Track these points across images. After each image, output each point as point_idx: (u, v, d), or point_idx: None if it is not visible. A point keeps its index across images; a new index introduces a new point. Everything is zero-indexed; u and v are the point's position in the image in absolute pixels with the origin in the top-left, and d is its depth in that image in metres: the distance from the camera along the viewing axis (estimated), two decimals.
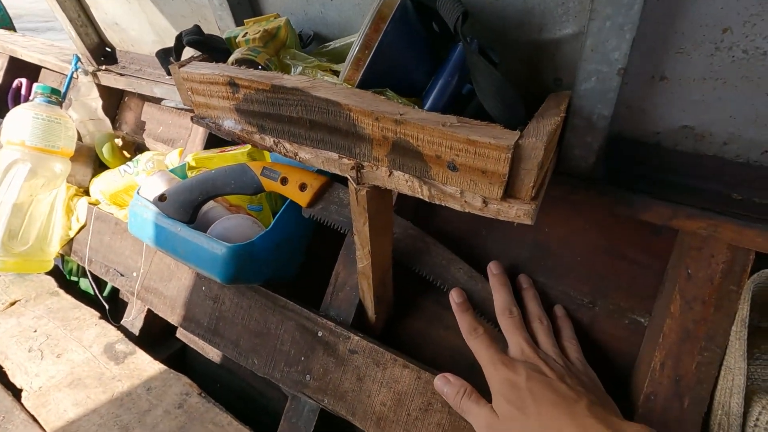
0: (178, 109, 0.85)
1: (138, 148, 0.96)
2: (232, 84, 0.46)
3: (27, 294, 0.81)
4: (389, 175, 0.42)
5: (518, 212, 0.37)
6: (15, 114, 0.78)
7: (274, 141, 0.48)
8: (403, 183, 0.41)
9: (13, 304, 0.79)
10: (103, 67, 0.88)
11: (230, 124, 0.50)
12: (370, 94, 0.40)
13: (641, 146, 0.44)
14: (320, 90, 0.41)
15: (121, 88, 0.87)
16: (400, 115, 0.37)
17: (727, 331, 0.40)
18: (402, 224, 0.57)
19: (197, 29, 0.50)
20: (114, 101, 0.98)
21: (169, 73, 0.53)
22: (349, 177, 0.45)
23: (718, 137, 0.40)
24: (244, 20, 0.53)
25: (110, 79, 0.87)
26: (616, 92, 0.37)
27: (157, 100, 0.91)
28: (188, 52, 0.54)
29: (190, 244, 0.58)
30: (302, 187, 0.58)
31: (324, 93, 0.40)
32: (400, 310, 0.61)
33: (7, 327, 0.74)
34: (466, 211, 0.39)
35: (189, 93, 0.51)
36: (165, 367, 0.68)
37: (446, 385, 0.47)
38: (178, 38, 0.50)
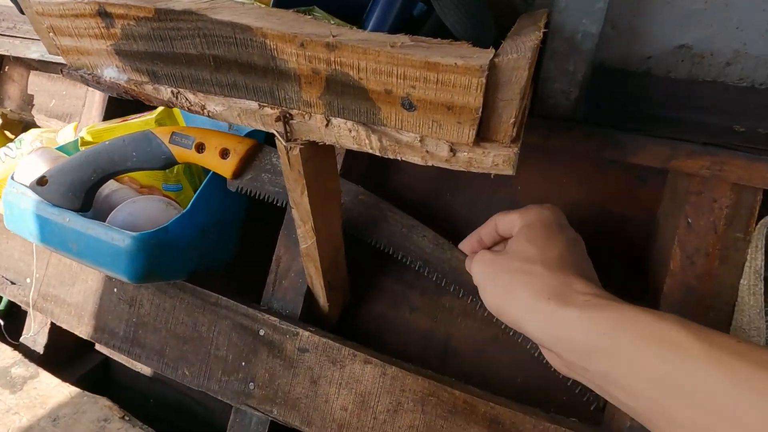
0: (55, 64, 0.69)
1: (27, 126, 0.79)
2: (103, 14, 0.33)
3: None
4: (327, 125, 0.32)
5: (496, 159, 0.28)
6: None
7: (172, 92, 0.36)
8: (345, 134, 0.32)
9: None
10: None
11: (112, 73, 0.38)
12: (291, 13, 0.30)
13: (629, 77, 0.37)
14: (222, 11, 0.30)
15: None
16: (333, 36, 0.27)
17: (735, 285, 0.34)
18: (351, 190, 0.48)
19: None
20: None
21: (21, 11, 0.39)
22: (275, 132, 0.34)
23: (719, 56, 0.34)
24: None
25: None
26: (606, 0, 0.29)
27: (45, 67, 0.75)
28: None
29: (83, 237, 0.45)
30: (224, 153, 0.46)
31: (228, 15, 0.29)
32: (359, 293, 0.53)
33: None
34: (429, 164, 0.31)
35: (51, 35, 0.38)
36: (77, 390, 0.56)
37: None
38: None
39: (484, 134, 0.28)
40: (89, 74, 0.39)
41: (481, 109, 0.26)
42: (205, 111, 0.36)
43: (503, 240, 0.40)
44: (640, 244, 0.42)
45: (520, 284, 0.31)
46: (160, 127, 0.51)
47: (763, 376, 0.21)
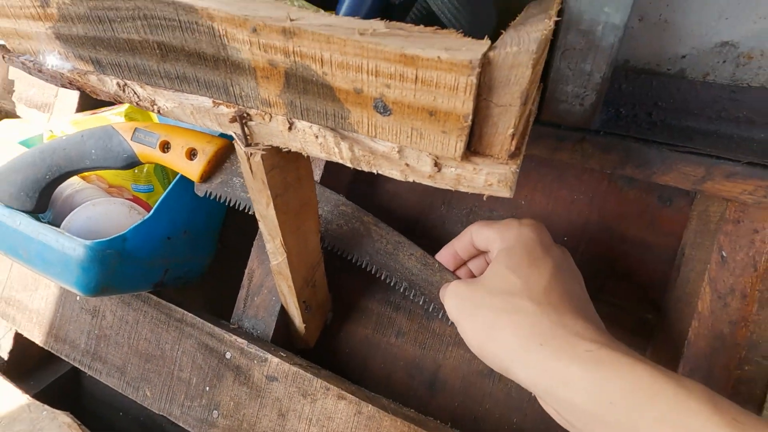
0: None
1: (6, 115, 0.75)
2: None
3: None
4: (290, 129, 0.27)
5: (490, 178, 0.23)
6: None
7: (118, 84, 0.31)
8: (311, 140, 0.27)
9: None
10: None
11: (54, 61, 0.33)
12: None
13: (657, 79, 0.31)
14: None
15: None
16: (291, 21, 0.22)
17: None
18: (331, 199, 0.43)
19: None
20: None
21: None
22: (233, 135, 0.29)
23: None
24: None
25: None
26: None
27: None
28: None
29: (33, 243, 0.41)
30: (192, 154, 0.41)
31: None
32: (340, 313, 0.47)
33: None
34: (410, 179, 0.25)
35: None
36: (36, 403, 0.52)
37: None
38: None
39: (475, 147, 0.23)
40: (32, 61, 0.34)
41: (471, 116, 0.21)
42: (155, 107, 0.31)
43: (480, 254, 0.36)
44: (661, 277, 0.36)
45: (505, 324, 0.27)
46: (124, 122, 0.46)
47: None
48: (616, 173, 0.33)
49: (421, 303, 0.40)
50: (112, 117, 0.51)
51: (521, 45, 0.20)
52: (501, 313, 0.27)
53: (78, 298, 0.50)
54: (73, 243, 0.39)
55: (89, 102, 0.59)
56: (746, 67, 0.28)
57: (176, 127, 0.43)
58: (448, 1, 0.23)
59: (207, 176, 0.42)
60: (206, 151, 0.41)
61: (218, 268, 0.53)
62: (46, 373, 0.61)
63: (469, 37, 0.21)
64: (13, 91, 0.74)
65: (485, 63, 0.19)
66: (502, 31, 0.23)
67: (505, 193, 0.23)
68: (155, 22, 0.26)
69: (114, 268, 0.41)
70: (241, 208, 0.43)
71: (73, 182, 0.49)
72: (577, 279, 0.31)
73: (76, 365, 0.50)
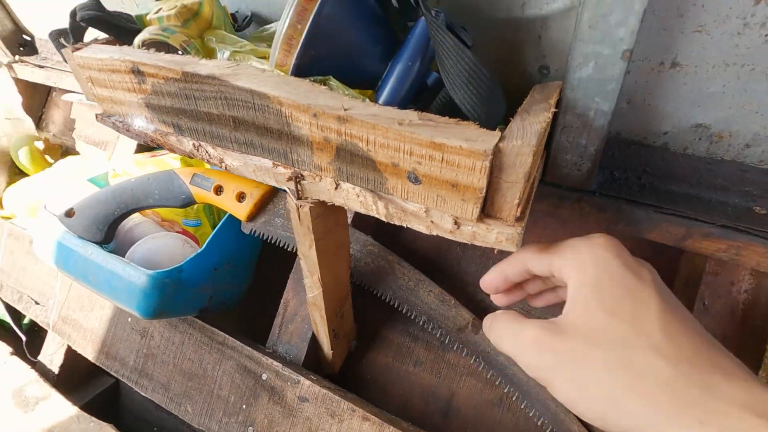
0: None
1: (67, 151, 0.83)
2: (137, 72, 0.36)
3: None
4: (336, 188, 0.33)
5: (499, 236, 0.28)
6: None
7: (194, 144, 0.38)
8: (353, 198, 0.32)
9: None
10: (19, 59, 0.76)
11: (141, 123, 0.40)
12: (306, 83, 0.31)
13: (644, 150, 0.36)
14: (242, 78, 0.31)
15: (40, 82, 0.75)
16: (345, 110, 0.28)
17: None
18: (360, 239, 0.48)
19: (95, 3, 0.39)
20: (39, 98, 0.86)
21: (65, 60, 0.42)
22: (287, 190, 0.35)
23: (739, 138, 0.33)
24: None
25: (28, 72, 0.75)
26: (619, 81, 0.29)
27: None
28: (94, 34, 0.43)
29: (103, 271, 0.47)
30: (241, 197, 0.48)
31: (247, 82, 0.31)
32: (364, 341, 0.52)
33: None
34: (434, 233, 0.31)
35: (89, 84, 0.40)
36: (85, 415, 0.57)
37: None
38: (72, 15, 0.40)
39: (488, 211, 0.28)
40: (120, 122, 0.42)
41: (485, 190, 0.26)
42: (222, 164, 0.37)
43: (536, 278, 0.31)
44: None
45: (631, 391, 0.21)
46: (183, 167, 0.53)
47: None
48: (610, 228, 0.38)
49: (438, 335, 0.45)
50: (170, 160, 0.59)
51: (524, 138, 0.25)
52: (620, 374, 0.22)
53: (129, 319, 0.56)
54: (137, 272, 0.45)
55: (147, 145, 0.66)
56: (718, 144, 0.33)
57: (228, 173, 0.49)
58: (468, 95, 0.29)
59: (252, 216, 0.48)
60: (253, 195, 0.48)
61: (252, 295, 0.59)
62: (90, 388, 0.67)
63: (483, 129, 0.26)
64: (74, 128, 0.83)
65: (496, 151, 0.25)
66: (511, 119, 0.29)
67: (512, 248, 0.28)
68: (233, 102, 0.32)
69: (170, 296, 0.47)
70: (279, 245, 0.49)
71: (133, 216, 0.55)
72: (674, 297, 0.25)
73: (124, 381, 0.55)
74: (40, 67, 0.74)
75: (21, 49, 0.78)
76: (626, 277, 0.24)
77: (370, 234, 0.49)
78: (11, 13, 0.75)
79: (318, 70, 0.32)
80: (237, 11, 0.48)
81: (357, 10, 0.31)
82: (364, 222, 0.50)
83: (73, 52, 0.39)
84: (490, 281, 0.32)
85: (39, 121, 0.85)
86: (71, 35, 0.41)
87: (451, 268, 0.50)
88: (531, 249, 0.29)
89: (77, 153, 0.82)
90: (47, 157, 0.78)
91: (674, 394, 0.20)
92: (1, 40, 0.74)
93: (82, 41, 0.43)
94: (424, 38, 0.31)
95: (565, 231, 0.44)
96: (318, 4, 0.29)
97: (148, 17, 0.40)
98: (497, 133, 0.26)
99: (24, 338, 0.70)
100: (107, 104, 0.41)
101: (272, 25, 0.45)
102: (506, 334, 0.28)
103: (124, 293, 0.46)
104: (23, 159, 0.74)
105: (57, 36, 0.41)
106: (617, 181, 0.37)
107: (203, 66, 0.33)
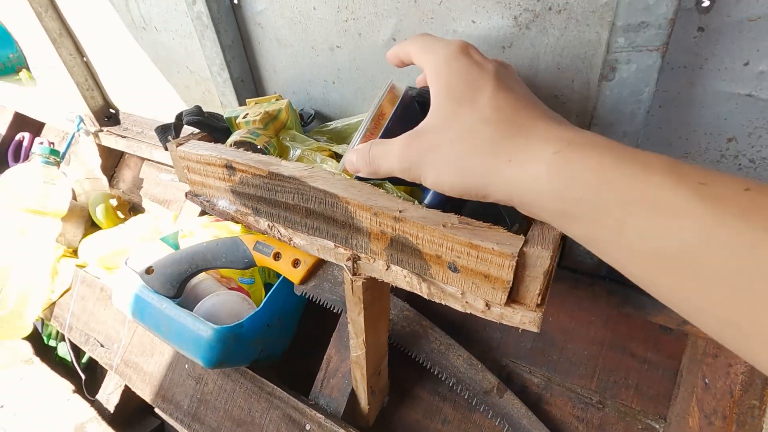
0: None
1: (133, 207, 0.94)
2: (229, 167, 0.45)
3: None
4: (387, 269, 0.40)
5: (523, 319, 0.34)
6: (11, 175, 0.77)
7: (268, 225, 0.46)
8: (401, 278, 0.39)
9: None
10: (105, 129, 0.89)
11: (224, 204, 0.49)
12: (368, 187, 0.39)
13: None
14: (318, 180, 0.40)
15: (121, 149, 0.87)
16: (400, 212, 0.36)
17: None
18: (398, 305, 0.55)
19: (198, 110, 0.50)
20: (113, 159, 0.98)
21: (166, 149, 0.52)
22: (344, 267, 0.43)
23: None
24: (247, 100, 0.54)
25: (111, 140, 0.87)
26: None
27: (156, 162, 0.91)
28: (188, 129, 0.53)
29: (174, 323, 0.55)
30: (295, 263, 0.55)
31: (321, 184, 0.39)
32: (396, 397, 0.57)
33: None
34: (468, 312, 0.37)
35: (185, 171, 0.50)
36: None
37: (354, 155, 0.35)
38: (179, 117, 0.50)
39: (514, 297, 0.35)
40: (207, 201, 0.51)
41: (511, 282, 0.33)
42: (291, 242, 0.45)
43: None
44: (665, 392, 0.45)
45: (469, 155, 0.27)
46: (246, 234, 0.62)
47: None
48: (620, 309, 0.43)
49: (465, 396, 0.50)
50: (232, 225, 0.67)
51: (544, 244, 0.32)
52: (460, 145, 0.27)
53: (186, 366, 0.63)
54: (205, 326, 0.53)
55: None
56: None
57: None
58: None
59: (305, 280, 0.56)
60: (307, 261, 0.55)
61: (293, 348, 0.65)
62: (139, 428, 0.73)
63: (510, 233, 0.33)
64: (142, 187, 0.95)
65: (521, 253, 0.32)
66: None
67: (534, 329, 0.34)
68: (307, 197, 0.41)
69: (230, 348, 0.53)
70: (326, 306, 0.55)
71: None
72: (519, 83, 0.30)
73: (177, 424, 0.61)
74: (122, 137, 0.86)
75: (106, 120, 0.91)
76: (471, 72, 0.28)
77: (403, 297, 0.55)
78: (103, 91, 0.89)
79: None
80: (302, 109, 0.58)
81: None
82: (400, 288, 0.57)
83: (177, 146, 0.48)
84: (390, 56, 0.36)
85: (111, 180, 0.97)
86: (174, 131, 0.52)
87: (476, 333, 0.55)
88: (415, 44, 0.32)
89: (143, 209, 0.93)
90: (118, 212, 0.89)
91: (494, 147, 0.26)
92: (92, 113, 0.88)
93: (179, 135, 0.54)
94: None
95: (579, 308, 0.49)
96: (381, 131, 0.37)
97: (237, 120, 0.50)
98: (521, 239, 0.33)
99: (83, 377, 0.77)
100: (197, 186, 0.51)
101: (332, 122, 0.55)
102: (379, 156, 0.32)
103: (191, 344, 0.53)
104: (99, 214, 0.85)
105: (162, 131, 0.52)
106: None
107: (285, 167, 0.42)
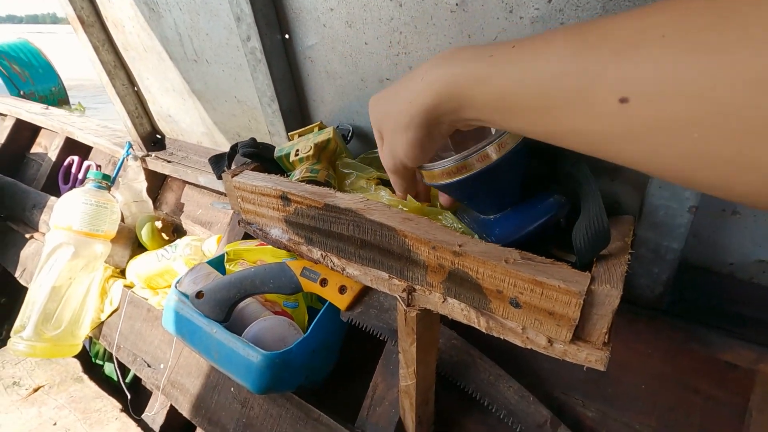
0: (217, 192, 0.87)
1: (176, 228, 0.97)
2: (284, 198, 0.46)
3: (51, 379, 0.79)
4: (443, 302, 0.40)
5: (589, 357, 0.34)
6: (66, 199, 0.81)
7: (321, 254, 0.47)
8: (458, 311, 0.39)
9: (36, 390, 0.77)
10: (153, 154, 0.93)
11: (277, 233, 0.50)
12: (426, 220, 0.39)
13: (713, 276, 0.41)
14: (374, 213, 0.40)
15: (167, 173, 0.91)
16: (459, 246, 0.36)
17: None
18: (446, 333, 0.54)
19: (252, 141, 0.52)
20: (158, 182, 1.02)
21: (220, 178, 0.54)
22: (398, 298, 0.43)
23: None
24: (289, 134, 0.55)
25: (157, 165, 0.91)
26: (687, 228, 0.35)
27: (199, 186, 0.94)
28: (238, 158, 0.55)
29: (224, 348, 0.56)
30: (342, 289, 0.56)
31: (378, 216, 0.40)
32: (442, 427, 0.56)
33: (28, 418, 0.71)
34: (528, 347, 0.37)
35: (239, 200, 0.52)
36: None
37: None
38: (233, 148, 0.52)
39: (579, 334, 0.34)
40: (259, 229, 0.52)
41: (578, 320, 0.33)
42: (345, 272, 0.46)
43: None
44: (731, 431, 0.43)
45: (420, 100, 0.30)
46: (293, 260, 0.63)
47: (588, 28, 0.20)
48: (683, 347, 0.42)
49: (517, 429, 0.49)
50: (276, 249, 0.69)
51: (612, 282, 0.32)
52: (410, 92, 0.31)
53: (232, 389, 0.64)
54: (255, 352, 0.53)
55: None
56: None
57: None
58: (586, 246, 0.35)
59: (351, 307, 0.56)
60: (353, 288, 0.56)
61: (336, 374, 0.65)
62: None
63: (576, 270, 0.33)
64: (184, 210, 0.98)
65: (589, 291, 0.32)
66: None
67: (600, 368, 0.34)
68: (363, 229, 0.41)
69: (279, 374, 0.54)
70: (371, 333, 0.55)
71: None
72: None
73: None
74: (168, 161, 0.90)
75: (153, 145, 0.95)
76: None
77: (451, 327, 0.55)
78: (151, 118, 0.93)
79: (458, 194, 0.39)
80: (338, 125, 0.59)
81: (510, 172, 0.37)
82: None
83: (232, 177, 0.50)
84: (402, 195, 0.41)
85: (155, 202, 1.01)
86: (227, 161, 0.54)
87: (527, 363, 0.54)
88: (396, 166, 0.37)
89: (185, 231, 0.96)
90: (163, 234, 0.92)
91: (440, 81, 0.29)
92: (140, 138, 0.92)
93: (231, 165, 0.56)
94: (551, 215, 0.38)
95: (637, 341, 0.48)
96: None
97: (290, 159, 0.51)
98: (588, 276, 0.32)
99: (129, 396, 0.79)
100: (250, 215, 0.52)
101: (377, 150, 0.56)
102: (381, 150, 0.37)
103: (241, 369, 0.54)
104: (145, 236, 0.88)
105: (216, 161, 0.54)
106: (687, 302, 0.42)
107: (341, 200, 0.43)
